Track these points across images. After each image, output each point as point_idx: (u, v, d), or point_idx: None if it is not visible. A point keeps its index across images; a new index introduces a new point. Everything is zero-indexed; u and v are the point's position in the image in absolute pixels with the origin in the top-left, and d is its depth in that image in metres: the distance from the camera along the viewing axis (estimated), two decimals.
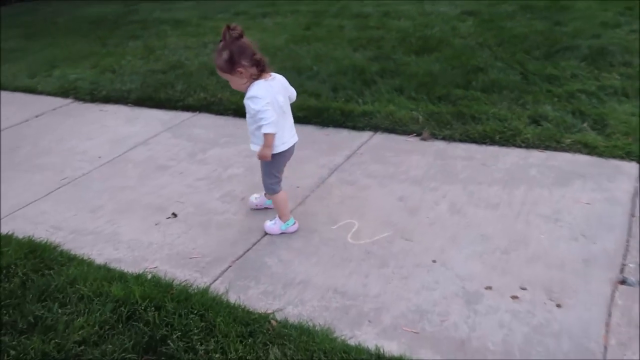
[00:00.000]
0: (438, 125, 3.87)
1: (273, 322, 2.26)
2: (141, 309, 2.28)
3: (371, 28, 6.17)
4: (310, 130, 4.14)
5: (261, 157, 2.72)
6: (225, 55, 2.57)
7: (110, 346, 2.10)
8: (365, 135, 3.97)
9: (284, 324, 2.24)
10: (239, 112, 4.45)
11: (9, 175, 3.88)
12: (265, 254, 2.75)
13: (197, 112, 4.73)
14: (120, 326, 2.22)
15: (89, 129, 4.59)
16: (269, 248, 2.79)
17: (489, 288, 2.39)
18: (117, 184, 3.62)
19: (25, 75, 6.02)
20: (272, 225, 2.89)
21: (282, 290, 2.48)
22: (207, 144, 4.06)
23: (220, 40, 2.58)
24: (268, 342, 2.12)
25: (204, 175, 3.62)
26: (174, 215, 3.18)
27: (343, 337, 2.17)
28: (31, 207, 3.44)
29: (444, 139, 3.77)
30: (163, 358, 2.07)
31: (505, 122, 3.77)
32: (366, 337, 2.17)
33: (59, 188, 3.66)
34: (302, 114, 4.22)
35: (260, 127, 2.62)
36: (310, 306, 2.37)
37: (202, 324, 2.22)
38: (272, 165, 2.79)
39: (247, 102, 2.65)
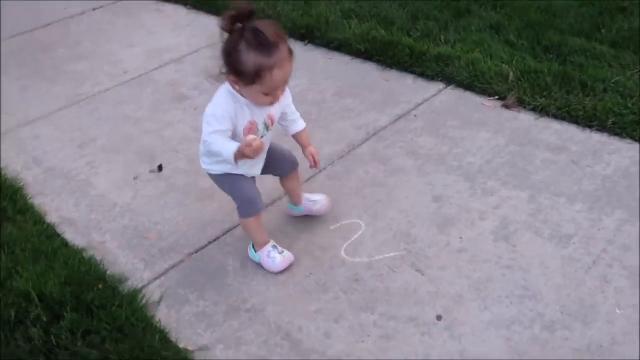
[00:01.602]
0: (532, 89, 2.83)
1: None
2: (32, 315, 1.80)
3: None
4: (368, 70, 3.28)
5: None
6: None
7: None
8: (433, 87, 3.04)
9: None
10: (297, 33, 3.67)
11: (31, 83, 3.52)
12: (231, 252, 2.12)
13: None
14: (3, 335, 1.76)
15: (134, 34, 4.07)
16: (240, 243, 2.15)
17: None
18: (124, 112, 3.11)
19: None
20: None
21: (223, 316, 1.87)
22: None
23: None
24: None
25: None
26: (159, 168, 2.62)
27: None
28: (29, 128, 3.06)
29: (534, 110, 2.75)
30: None
31: (631, 99, 2.64)
32: None
33: (68, 107, 3.23)
34: (364, 47, 3.37)
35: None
36: (244, 354, 1.74)
37: (93, 351, 1.69)
38: None
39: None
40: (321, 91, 3.12)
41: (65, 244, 2.20)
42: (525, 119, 2.72)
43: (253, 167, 1.94)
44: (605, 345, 1.67)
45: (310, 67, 3.38)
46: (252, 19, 1.62)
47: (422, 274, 1.95)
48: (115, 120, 3.05)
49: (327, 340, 1.76)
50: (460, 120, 2.75)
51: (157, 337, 1.76)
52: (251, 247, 2.06)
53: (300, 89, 3.15)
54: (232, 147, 1.67)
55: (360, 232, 2.16)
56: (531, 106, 2.76)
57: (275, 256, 2.00)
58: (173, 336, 1.80)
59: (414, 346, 1.71)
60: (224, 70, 1.71)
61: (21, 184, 2.58)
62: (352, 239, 2.13)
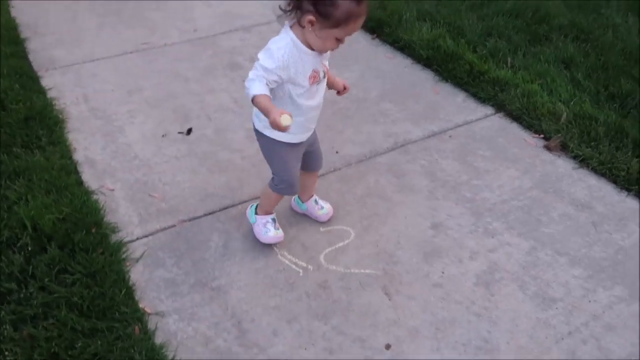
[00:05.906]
0: (580, 135, 2.67)
1: (137, 328, 1.78)
2: (21, 243, 1.96)
3: None
4: (423, 78, 3.21)
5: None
6: None
7: None
8: (480, 111, 2.93)
9: (144, 341, 1.74)
10: (366, 26, 3.65)
11: (109, 22, 3.74)
12: (219, 229, 2.19)
13: None
14: None
15: None
16: (232, 222, 2.22)
17: None
18: (179, 70, 3.24)
19: None
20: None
21: (188, 288, 1.95)
22: None
23: None
24: None
25: None
26: (188, 132, 2.73)
27: None
28: (92, 65, 3.26)
29: (575, 158, 2.60)
30: None
31: None
32: None
33: (132, 53, 3.41)
34: (426, 54, 3.29)
35: None
36: (192, 330, 1.82)
37: (61, 289, 1.83)
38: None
39: None
40: (367, 89, 3.09)
41: (80, 182, 2.36)
42: (562, 165, 2.58)
43: (303, 134, 1.91)
44: None
45: (367, 62, 3.35)
46: None
47: (389, 299, 1.94)
48: (167, 76, 3.18)
49: (273, 339, 1.80)
50: (494, 151, 2.65)
51: (122, 291, 1.87)
52: (253, 208, 2.12)
53: (348, 83, 3.14)
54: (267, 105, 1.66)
55: (347, 241, 2.16)
56: (573, 154, 2.61)
57: (269, 228, 2.06)
58: (138, 295, 1.91)
59: None
60: (289, 9, 1.67)
61: (65, 117, 2.77)
62: (337, 246, 2.14)
